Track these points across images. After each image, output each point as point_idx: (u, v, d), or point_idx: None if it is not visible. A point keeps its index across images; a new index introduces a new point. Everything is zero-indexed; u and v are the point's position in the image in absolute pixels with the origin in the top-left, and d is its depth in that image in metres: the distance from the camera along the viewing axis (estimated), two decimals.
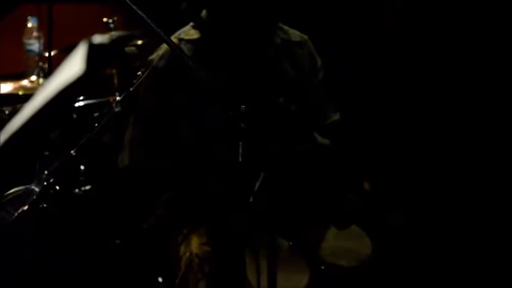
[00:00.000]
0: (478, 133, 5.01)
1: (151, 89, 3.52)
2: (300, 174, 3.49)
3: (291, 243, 3.43)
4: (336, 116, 3.68)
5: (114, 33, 1.60)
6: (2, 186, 1.67)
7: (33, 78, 5.08)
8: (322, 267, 3.42)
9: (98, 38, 1.45)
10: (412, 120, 5.14)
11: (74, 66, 1.41)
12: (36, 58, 5.14)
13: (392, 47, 5.27)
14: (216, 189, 3.43)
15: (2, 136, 1.48)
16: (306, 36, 3.69)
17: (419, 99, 5.15)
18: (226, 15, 3.50)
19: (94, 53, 1.41)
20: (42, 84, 4.49)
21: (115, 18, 4.81)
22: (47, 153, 3.15)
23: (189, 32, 3.54)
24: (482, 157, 4.97)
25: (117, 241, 3.91)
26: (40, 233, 3.25)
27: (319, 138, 3.61)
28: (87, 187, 4.10)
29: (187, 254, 3.41)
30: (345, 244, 3.55)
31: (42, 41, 5.17)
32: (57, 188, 2.61)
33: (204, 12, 3.54)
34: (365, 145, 4.73)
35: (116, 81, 4.51)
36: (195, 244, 3.42)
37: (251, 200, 2.94)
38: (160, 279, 3.59)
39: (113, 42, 1.51)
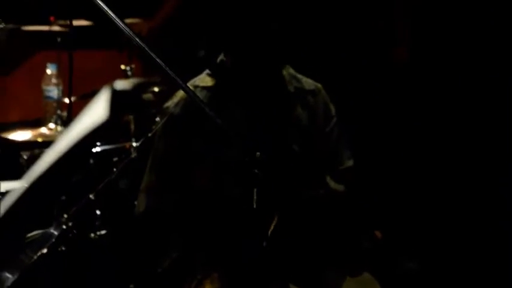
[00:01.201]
0: (490, 181, 4.98)
1: (167, 135, 3.53)
2: (313, 219, 3.48)
3: None
4: (350, 162, 3.67)
5: (135, 80, 1.61)
6: (24, 229, 1.66)
7: (52, 125, 5.09)
8: None
9: (121, 84, 1.45)
10: (424, 169, 5.12)
11: (97, 111, 1.42)
12: (55, 104, 5.15)
13: (404, 85, 5.26)
14: (229, 234, 3.42)
15: (25, 181, 1.47)
16: (319, 85, 3.69)
17: (431, 147, 5.13)
18: (241, 62, 3.50)
19: (117, 98, 1.41)
20: (64, 130, 4.50)
21: (133, 66, 4.84)
22: (63, 197, 3.17)
23: (204, 79, 3.55)
24: (495, 203, 4.95)
25: (131, 285, 3.89)
26: (58, 275, 3.25)
27: (333, 184, 3.60)
28: (103, 232, 4.09)
29: None
30: None
31: (60, 87, 5.19)
32: (75, 232, 2.62)
33: (219, 60, 3.55)
34: (378, 193, 4.72)
35: (132, 127, 4.53)
36: None
37: (265, 245, 2.93)
38: None
39: (135, 88, 1.51)
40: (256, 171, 2.84)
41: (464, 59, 5.16)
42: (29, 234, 2.14)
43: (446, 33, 5.24)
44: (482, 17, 5.12)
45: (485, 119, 5.12)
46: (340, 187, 3.61)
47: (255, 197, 2.86)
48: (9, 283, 1.78)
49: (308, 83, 3.66)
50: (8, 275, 1.77)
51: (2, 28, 3.31)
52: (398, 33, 5.40)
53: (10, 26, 3.33)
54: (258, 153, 2.84)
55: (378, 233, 3.91)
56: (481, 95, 5.11)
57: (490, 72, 5.12)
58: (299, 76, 3.65)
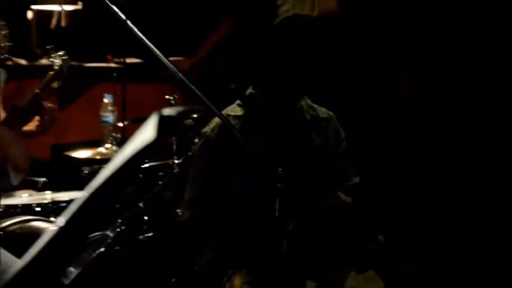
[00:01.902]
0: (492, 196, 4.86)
1: (204, 155, 3.55)
2: (326, 225, 3.48)
3: (316, 284, 3.41)
4: (357, 179, 3.67)
5: (179, 108, 1.63)
6: (86, 231, 1.68)
7: (108, 145, 5.11)
8: None
9: (167, 111, 1.47)
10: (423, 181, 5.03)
11: (146, 134, 1.44)
12: (111, 128, 5.18)
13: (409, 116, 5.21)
14: (255, 238, 3.42)
15: (86, 191, 1.49)
16: (331, 113, 3.70)
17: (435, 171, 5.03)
18: (266, 95, 3.52)
19: (163, 123, 1.43)
20: (118, 150, 4.52)
21: (175, 96, 4.85)
22: (118, 205, 3.19)
23: (235, 109, 3.57)
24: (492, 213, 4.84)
25: (173, 279, 3.90)
26: (112, 271, 3.27)
27: (343, 197, 3.61)
28: (149, 234, 4.10)
29: None
30: (362, 286, 3.53)
31: (115, 113, 5.21)
32: (127, 234, 2.64)
33: (248, 92, 3.57)
34: (379, 203, 4.69)
35: (175, 147, 4.54)
36: (237, 283, 3.42)
37: (284, 247, 2.94)
38: None
39: (178, 115, 1.53)
40: (278, 185, 2.85)
41: (462, 92, 5.06)
42: (90, 235, 2.17)
43: (447, 69, 5.15)
44: (480, 55, 5.01)
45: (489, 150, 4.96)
46: (348, 199, 3.61)
47: (277, 207, 2.88)
48: (72, 276, 1.80)
49: (322, 111, 3.67)
50: (72, 269, 1.79)
51: (65, 59, 3.33)
52: (405, 70, 5.37)
53: (74, 62, 3.35)
54: (279, 169, 2.85)
55: (380, 237, 3.90)
56: (483, 126, 4.98)
57: (490, 105, 5.00)
58: (315, 106, 3.66)
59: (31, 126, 3.18)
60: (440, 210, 4.84)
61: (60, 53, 3.33)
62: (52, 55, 3.34)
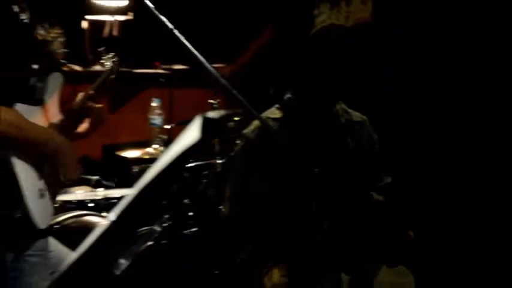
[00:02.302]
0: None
1: (245, 155, 3.55)
2: (359, 222, 3.46)
3: (350, 277, 3.39)
4: (388, 179, 3.65)
5: (221, 111, 1.62)
6: (135, 225, 1.68)
7: (156, 146, 5.14)
8: None
9: (210, 114, 1.46)
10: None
11: (191, 135, 1.43)
12: (158, 130, 5.20)
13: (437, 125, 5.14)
14: (293, 234, 3.41)
15: (136, 188, 1.49)
16: (365, 117, 3.68)
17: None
18: (304, 100, 3.51)
19: (207, 125, 1.43)
20: (165, 150, 4.54)
21: (218, 100, 4.86)
22: (165, 201, 3.19)
23: (274, 112, 3.56)
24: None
25: (216, 271, 3.90)
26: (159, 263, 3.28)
27: (375, 195, 3.59)
28: (194, 229, 4.11)
29: (270, 283, 3.40)
30: (393, 279, 3.50)
31: (163, 116, 5.24)
32: (173, 228, 2.64)
33: (286, 97, 3.56)
34: (410, 201, 4.63)
35: (217, 147, 4.54)
36: (276, 276, 3.41)
37: (320, 242, 2.93)
38: None
39: (221, 117, 1.53)
40: (314, 184, 2.84)
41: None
42: (139, 230, 2.16)
43: (475, 78, 5.06)
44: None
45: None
46: (380, 198, 3.59)
47: (312, 205, 2.86)
48: (123, 267, 1.80)
49: (356, 115, 3.66)
50: (122, 261, 1.79)
51: (115, 61, 3.34)
52: (433, 82, 5.32)
53: (124, 67, 3.37)
54: (316, 170, 2.84)
55: (411, 233, 3.86)
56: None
57: None
58: (349, 110, 3.65)
59: (82, 127, 3.19)
60: (473, 221, 4.75)
61: (110, 55, 3.35)
62: (103, 57, 3.36)
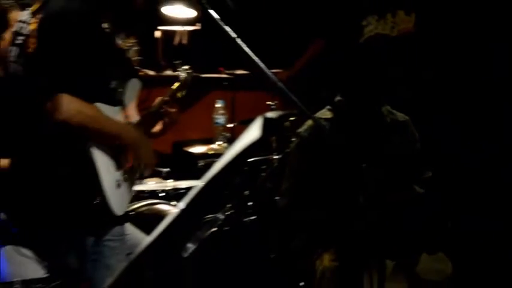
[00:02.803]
0: None
1: (299, 152, 3.55)
2: (402, 213, 3.44)
3: (395, 263, 3.37)
4: (429, 174, 3.62)
5: (279, 112, 1.63)
6: (201, 213, 1.70)
7: (219, 143, 5.16)
8: (417, 281, 3.35)
9: (270, 115, 1.47)
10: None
11: (252, 133, 1.44)
12: (222, 128, 5.23)
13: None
14: (342, 222, 3.40)
15: (202, 180, 1.51)
16: (407, 117, 3.66)
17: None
18: (353, 102, 3.50)
19: (267, 124, 1.44)
20: (229, 146, 4.56)
21: (275, 102, 4.86)
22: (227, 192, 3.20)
23: (325, 113, 3.56)
24: None
25: (272, 255, 3.90)
26: (222, 247, 3.29)
27: (417, 189, 3.56)
28: (253, 217, 4.11)
29: (321, 266, 3.40)
30: (433, 266, 3.47)
31: (226, 116, 5.26)
32: (235, 217, 2.64)
33: (337, 99, 3.55)
34: (448, 194, 4.56)
35: (274, 145, 4.54)
36: (326, 260, 3.41)
37: (366, 231, 2.92)
38: (301, 283, 3.56)
39: (279, 118, 1.53)
40: (362, 178, 2.82)
41: None
42: (204, 217, 2.18)
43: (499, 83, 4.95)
44: None
45: None
46: (421, 191, 3.56)
47: (361, 197, 2.85)
48: (190, 251, 1.82)
49: (400, 116, 3.64)
50: (190, 245, 1.81)
51: (189, 72, 3.38)
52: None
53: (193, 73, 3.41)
54: (364, 165, 2.83)
55: (449, 224, 3.82)
56: None
57: None
58: (393, 111, 3.63)
59: (156, 128, 3.24)
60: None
61: (186, 67, 3.38)
62: (178, 69, 3.39)
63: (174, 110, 3.21)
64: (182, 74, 3.35)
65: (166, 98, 3.21)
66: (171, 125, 3.24)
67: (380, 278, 2.96)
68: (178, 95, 3.29)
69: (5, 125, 3.00)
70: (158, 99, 3.21)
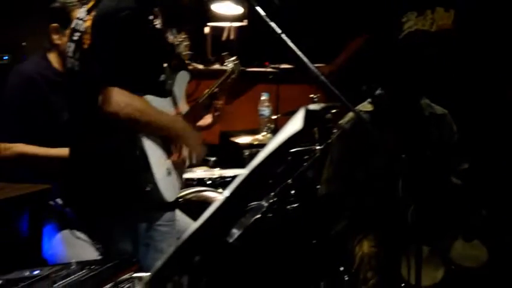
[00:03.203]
0: None
1: (340, 142, 3.53)
2: (440, 202, 3.39)
3: (431, 249, 3.33)
4: (466, 165, 3.57)
5: (321, 104, 1.60)
6: (246, 200, 1.69)
7: (264, 133, 5.15)
8: (453, 267, 3.31)
9: (312, 106, 1.45)
10: None
11: (295, 124, 1.42)
12: (266, 120, 5.22)
13: None
14: (382, 210, 3.37)
15: (247, 169, 1.49)
16: (446, 111, 3.62)
17: None
18: (393, 96, 3.46)
19: (309, 116, 1.41)
20: (273, 136, 4.56)
21: (318, 95, 4.83)
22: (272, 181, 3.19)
23: (366, 106, 3.53)
24: None
25: (314, 241, 3.88)
26: (265, 233, 3.30)
27: (454, 180, 3.52)
28: (295, 205, 4.10)
29: (360, 252, 3.38)
30: (469, 252, 3.42)
31: (270, 108, 5.25)
32: (278, 204, 2.65)
33: (377, 93, 3.52)
34: (484, 184, 4.47)
35: (316, 135, 4.52)
36: (366, 246, 3.39)
37: (406, 219, 2.88)
38: (341, 268, 3.54)
39: (321, 110, 1.51)
40: (401, 169, 2.78)
41: None
42: (249, 204, 2.18)
43: None
44: None
45: None
46: (458, 181, 3.52)
47: (400, 187, 2.81)
48: (236, 236, 1.81)
49: (438, 109, 3.60)
50: (235, 230, 1.80)
51: (236, 64, 3.37)
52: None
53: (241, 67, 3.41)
54: (403, 155, 2.79)
55: (484, 211, 3.76)
56: None
57: None
58: (432, 104, 3.59)
59: (204, 121, 3.24)
60: None
61: (233, 58, 3.37)
62: (226, 60, 3.38)
63: (221, 103, 3.21)
64: (229, 65, 3.34)
65: (214, 90, 3.20)
66: (219, 118, 3.24)
67: (417, 263, 2.92)
68: (226, 85, 3.28)
69: (68, 116, 3.05)
70: (206, 91, 3.21)
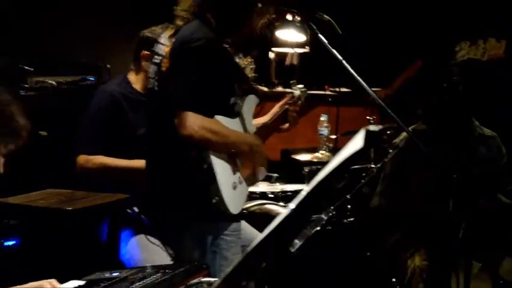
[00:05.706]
0: None
1: (395, 159, 3.51)
2: (490, 220, 3.34)
3: (481, 265, 3.27)
4: None
5: (379, 126, 1.61)
6: (307, 214, 1.70)
7: (323, 152, 5.14)
8: (501, 282, 3.24)
9: (372, 128, 1.46)
10: None
11: (355, 143, 1.43)
12: (325, 139, 5.20)
13: None
14: (433, 225, 3.33)
15: (310, 184, 1.51)
16: (495, 133, 3.59)
17: None
18: (443, 117, 3.44)
19: (369, 136, 1.42)
20: (331, 155, 4.55)
21: (374, 117, 4.81)
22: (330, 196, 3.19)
23: (419, 126, 3.54)
24: None
25: (368, 253, 3.85)
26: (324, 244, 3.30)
27: (503, 199, 3.46)
28: (352, 218, 4.07)
29: (412, 265, 3.35)
30: None
31: (329, 128, 5.23)
32: (336, 218, 2.64)
33: (430, 114, 3.50)
34: None
35: (372, 155, 4.48)
36: (418, 259, 3.36)
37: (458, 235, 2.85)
38: (394, 280, 3.51)
39: (380, 131, 1.52)
40: (452, 187, 2.76)
41: None
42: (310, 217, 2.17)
43: None
44: None
45: None
46: (508, 201, 3.46)
47: (451, 204, 2.79)
48: (297, 247, 1.82)
49: (487, 131, 3.58)
50: (297, 241, 1.81)
51: (303, 91, 3.39)
52: None
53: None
54: (454, 175, 2.76)
55: None
56: None
57: None
58: (482, 127, 3.57)
59: (284, 126, 3.28)
60: None
61: (300, 86, 3.39)
62: (293, 87, 3.40)
63: (294, 115, 3.24)
64: (296, 92, 3.35)
65: (286, 107, 3.24)
66: (295, 119, 3.26)
67: (466, 277, 2.88)
68: (295, 108, 3.30)
69: (143, 132, 3.12)
70: (275, 111, 3.25)
